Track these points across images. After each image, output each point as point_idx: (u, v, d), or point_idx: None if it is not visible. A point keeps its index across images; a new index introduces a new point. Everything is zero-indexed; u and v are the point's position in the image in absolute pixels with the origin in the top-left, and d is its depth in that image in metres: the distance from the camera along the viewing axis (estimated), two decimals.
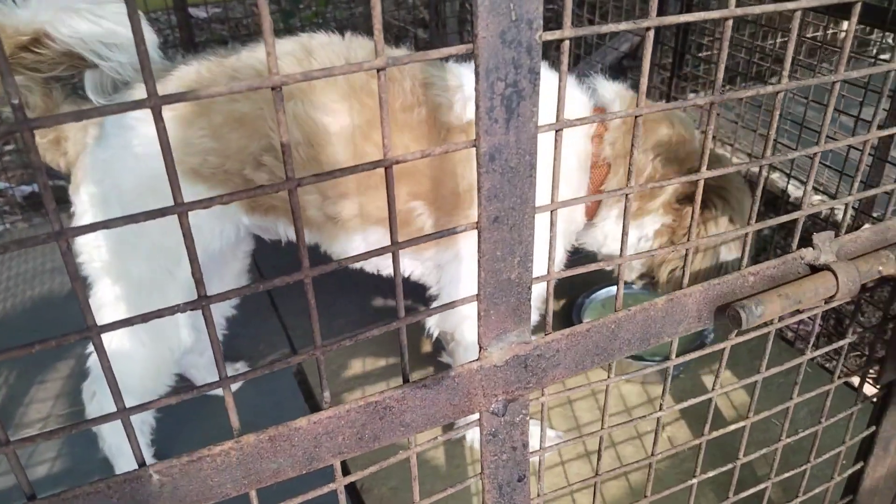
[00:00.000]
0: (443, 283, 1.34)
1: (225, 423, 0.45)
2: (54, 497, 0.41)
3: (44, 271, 2.15)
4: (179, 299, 1.35)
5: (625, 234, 0.56)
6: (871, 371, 0.85)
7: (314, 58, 1.18)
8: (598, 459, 0.68)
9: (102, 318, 1.23)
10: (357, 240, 1.28)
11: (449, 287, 1.32)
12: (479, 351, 0.52)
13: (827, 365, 1.77)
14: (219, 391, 0.43)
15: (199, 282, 0.40)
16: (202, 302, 0.40)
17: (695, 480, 0.75)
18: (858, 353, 1.73)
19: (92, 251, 1.20)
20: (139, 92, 1.16)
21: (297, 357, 0.45)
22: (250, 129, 1.16)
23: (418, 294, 1.95)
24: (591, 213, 1.34)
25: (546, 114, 0.46)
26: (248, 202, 1.25)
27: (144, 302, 1.22)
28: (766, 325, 0.68)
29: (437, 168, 1.18)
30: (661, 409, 0.70)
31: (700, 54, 2.01)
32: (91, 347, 1.29)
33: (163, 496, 0.44)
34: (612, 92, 1.26)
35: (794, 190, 2.01)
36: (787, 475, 0.84)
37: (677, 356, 0.66)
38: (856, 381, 1.41)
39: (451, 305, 0.49)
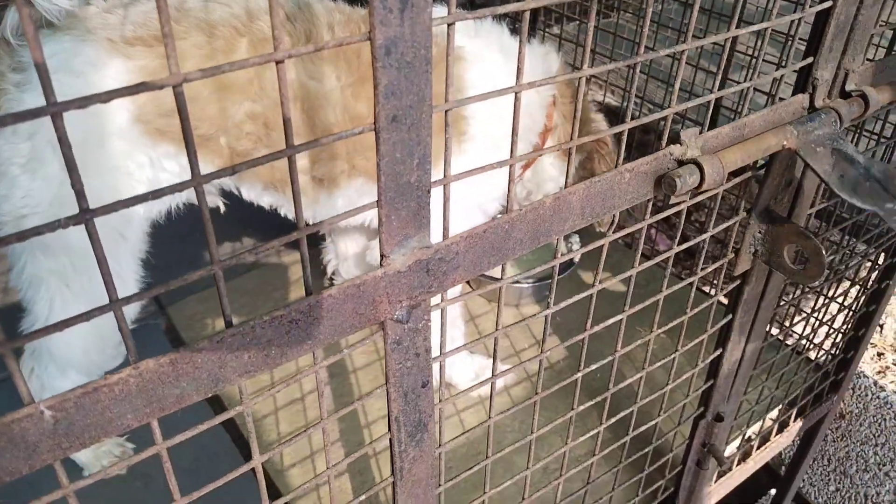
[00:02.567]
0: None
1: None
2: None
3: None
4: (131, 263, 1.24)
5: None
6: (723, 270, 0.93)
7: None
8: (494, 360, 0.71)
9: (42, 295, 1.12)
10: (338, 197, 1.26)
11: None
12: (382, 259, 0.51)
13: (675, 271, 1.93)
14: None
15: (79, 193, 0.36)
16: (85, 216, 0.37)
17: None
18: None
19: (18, 222, 1.06)
20: (63, 36, 1.04)
21: (196, 273, 0.42)
22: (235, 94, 1.08)
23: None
24: (527, 167, 1.49)
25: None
26: (223, 164, 1.18)
27: (94, 272, 1.12)
28: (629, 246, 0.72)
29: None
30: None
31: None
32: (26, 323, 1.18)
33: (58, 433, 0.41)
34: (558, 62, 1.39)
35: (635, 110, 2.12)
36: (655, 367, 0.91)
37: (547, 278, 0.70)
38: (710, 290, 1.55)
39: (353, 213, 0.48)
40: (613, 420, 0.91)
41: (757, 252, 0.88)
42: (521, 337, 1.67)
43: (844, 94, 0.81)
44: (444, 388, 0.67)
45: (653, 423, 1.00)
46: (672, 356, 0.93)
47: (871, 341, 3.10)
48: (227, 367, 0.46)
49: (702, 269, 0.86)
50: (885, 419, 2.08)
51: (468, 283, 1.80)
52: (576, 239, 1.81)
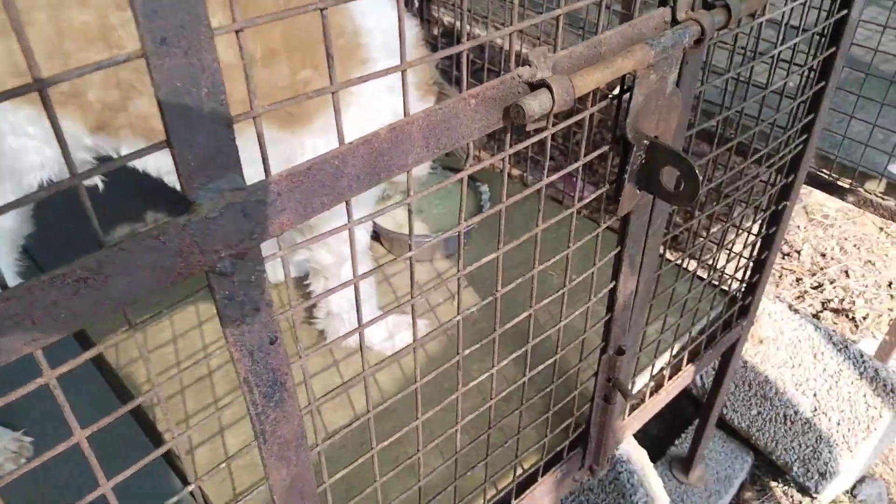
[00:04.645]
0: None
1: None
2: None
3: None
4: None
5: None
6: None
7: None
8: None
9: None
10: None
11: None
12: (189, 205, 0.46)
13: (588, 214, 1.93)
14: None
15: None
16: None
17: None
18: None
19: None
20: None
21: None
22: (96, 43, 0.99)
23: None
24: None
25: None
26: (95, 121, 1.07)
27: None
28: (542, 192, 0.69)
29: (318, 28, 1.14)
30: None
31: None
32: None
33: None
34: None
35: None
36: (545, 302, 0.89)
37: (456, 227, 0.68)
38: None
39: (138, 154, 0.43)
40: (509, 360, 0.89)
41: (636, 177, 0.86)
42: (435, 292, 1.64)
43: (709, 6, 0.79)
44: (300, 344, 0.64)
45: (552, 360, 0.99)
46: (561, 291, 0.91)
47: (790, 267, 3.20)
48: (11, 335, 0.41)
49: (580, 199, 0.83)
50: (800, 341, 2.15)
51: (379, 240, 1.76)
52: (485, 188, 1.78)
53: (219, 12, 1.02)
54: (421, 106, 1.44)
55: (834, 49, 1.17)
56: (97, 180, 1.22)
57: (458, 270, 0.73)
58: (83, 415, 0.49)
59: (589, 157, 0.79)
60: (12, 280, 1.18)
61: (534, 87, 0.63)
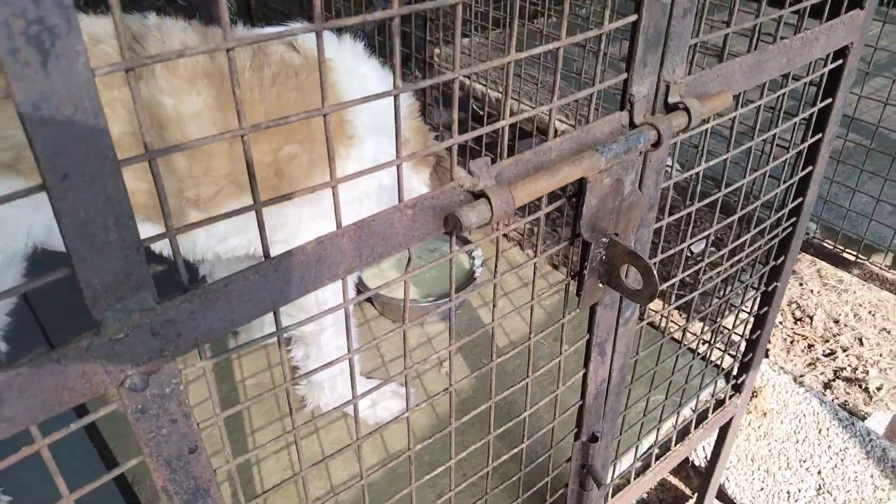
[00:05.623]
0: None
1: None
2: None
3: None
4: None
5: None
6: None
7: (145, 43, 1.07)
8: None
9: None
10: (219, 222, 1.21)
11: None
12: (96, 325, 0.47)
13: None
14: None
15: None
16: None
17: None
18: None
19: None
20: None
21: None
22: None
23: None
24: None
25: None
26: None
27: None
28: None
29: (306, 105, 1.16)
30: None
31: None
32: None
33: None
34: None
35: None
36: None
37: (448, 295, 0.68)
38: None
39: (37, 282, 0.43)
40: (473, 448, 0.87)
41: (599, 273, 0.85)
42: (423, 357, 1.63)
43: (671, 108, 0.79)
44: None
45: (517, 449, 0.97)
46: (524, 381, 0.90)
47: (802, 333, 3.13)
48: None
49: (537, 296, 0.82)
50: (804, 415, 2.09)
51: (371, 301, 1.76)
52: (479, 253, 1.78)
53: (204, 91, 1.04)
54: (416, 177, 1.45)
55: (820, 136, 1.16)
56: None
57: (450, 343, 0.72)
58: (67, 478, 0.50)
59: (548, 253, 0.78)
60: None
61: (476, 195, 0.63)
